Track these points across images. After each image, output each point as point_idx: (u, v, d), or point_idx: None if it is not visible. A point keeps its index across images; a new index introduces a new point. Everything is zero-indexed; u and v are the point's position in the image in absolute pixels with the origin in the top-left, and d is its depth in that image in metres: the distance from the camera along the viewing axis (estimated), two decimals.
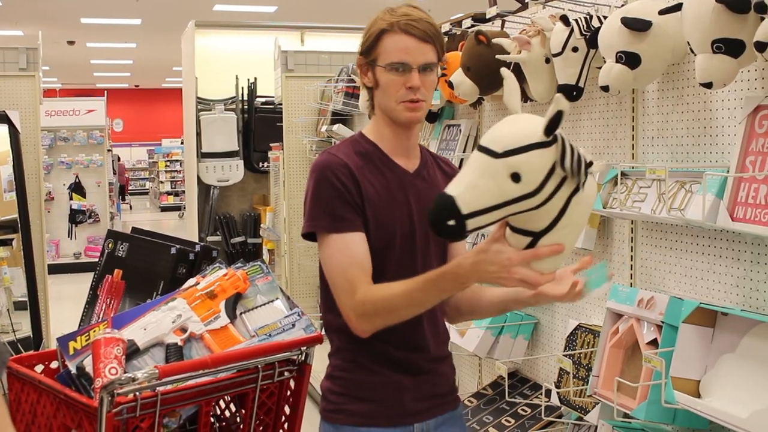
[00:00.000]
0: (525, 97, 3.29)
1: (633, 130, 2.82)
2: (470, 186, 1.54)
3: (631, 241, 2.83)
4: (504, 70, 1.73)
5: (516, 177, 1.51)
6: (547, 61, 2.89)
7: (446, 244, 2.08)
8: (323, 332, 2.17)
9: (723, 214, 2.26)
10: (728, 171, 2.30)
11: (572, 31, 2.71)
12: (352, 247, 1.87)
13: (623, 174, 2.74)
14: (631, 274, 2.83)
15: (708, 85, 2.15)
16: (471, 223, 1.54)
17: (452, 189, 1.56)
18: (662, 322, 2.43)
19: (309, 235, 1.97)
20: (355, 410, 1.99)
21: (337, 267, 1.88)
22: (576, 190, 1.56)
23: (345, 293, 1.86)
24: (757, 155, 2.23)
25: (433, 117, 4.20)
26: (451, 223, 1.53)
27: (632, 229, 2.83)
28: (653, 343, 2.48)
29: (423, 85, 1.93)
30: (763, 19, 1.94)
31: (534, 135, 1.53)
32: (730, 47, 2.08)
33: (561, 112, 1.53)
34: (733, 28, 2.06)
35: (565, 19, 2.71)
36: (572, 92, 2.76)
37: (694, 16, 2.15)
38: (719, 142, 2.45)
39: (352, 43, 7.83)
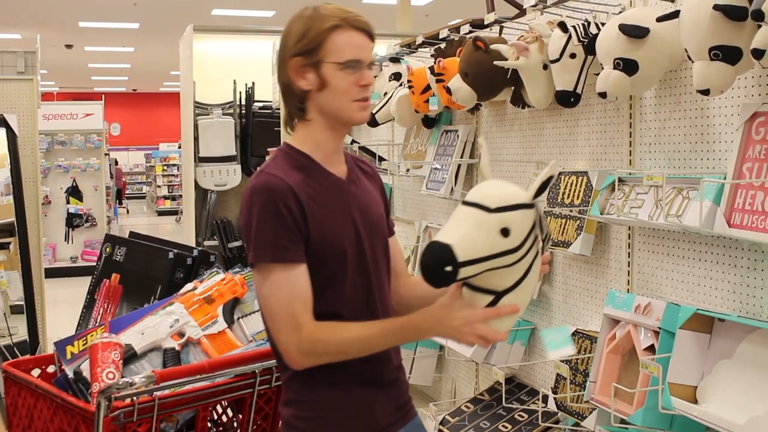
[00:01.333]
0: (523, 103, 3.30)
1: (630, 137, 2.82)
2: (465, 236, 1.60)
3: (629, 247, 2.84)
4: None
5: (505, 232, 1.60)
6: (545, 67, 2.90)
7: (388, 254, 1.99)
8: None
9: (720, 221, 2.26)
10: (725, 177, 2.31)
11: (570, 37, 2.71)
12: (295, 280, 1.76)
13: (620, 180, 2.74)
14: (628, 280, 2.84)
15: (705, 92, 2.16)
16: (463, 272, 1.59)
17: (447, 238, 1.60)
18: (659, 328, 2.43)
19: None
20: (332, 429, 1.84)
21: (280, 301, 1.75)
22: (537, 254, 1.68)
23: (288, 330, 1.74)
24: (754, 162, 2.24)
25: (430, 122, 4.20)
26: (449, 269, 1.58)
27: (629, 235, 2.84)
28: (650, 349, 2.48)
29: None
30: (760, 26, 1.95)
31: (520, 197, 1.64)
32: (728, 54, 2.09)
33: (552, 177, 1.63)
34: (731, 35, 2.07)
35: (563, 26, 2.72)
36: (570, 98, 2.77)
37: (691, 24, 2.16)
38: (716, 148, 2.46)
39: None
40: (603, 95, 2.52)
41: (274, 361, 2.27)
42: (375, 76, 4.59)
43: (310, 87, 1.83)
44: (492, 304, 1.66)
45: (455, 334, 1.67)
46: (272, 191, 1.75)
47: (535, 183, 1.64)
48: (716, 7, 2.05)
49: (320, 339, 1.73)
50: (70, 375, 2.25)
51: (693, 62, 2.18)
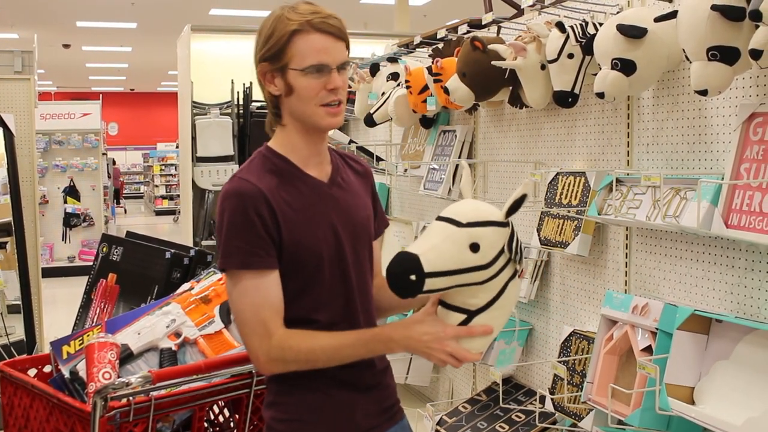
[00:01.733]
0: (521, 103, 3.30)
1: (628, 137, 2.82)
2: (433, 248, 1.61)
3: (626, 248, 2.84)
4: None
5: (475, 247, 1.61)
6: (543, 67, 2.90)
7: (372, 255, 1.95)
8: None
9: (717, 221, 2.26)
10: (723, 178, 2.31)
11: (568, 37, 2.71)
12: (265, 287, 1.73)
13: (618, 181, 2.74)
14: (626, 281, 2.84)
15: (703, 93, 2.16)
16: (429, 283, 1.59)
17: (415, 248, 1.61)
18: (657, 329, 2.43)
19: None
20: None
21: (250, 307, 1.73)
22: (513, 276, 1.67)
23: (258, 336, 1.72)
24: (751, 162, 2.23)
25: (428, 123, 4.20)
26: (413, 278, 1.58)
27: (627, 235, 2.84)
28: (648, 349, 2.48)
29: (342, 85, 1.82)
30: (758, 26, 1.95)
31: (493, 215, 1.65)
32: (725, 55, 2.09)
33: (525, 196, 1.63)
34: (728, 35, 2.07)
35: (560, 26, 2.72)
36: (567, 99, 2.77)
37: (689, 24, 2.15)
38: (714, 149, 2.46)
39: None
40: (601, 95, 2.52)
41: None
42: (351, 78, 4.59)
43: (279, 92, 1.80)
44: (465, 323, 1.66)
45: (424, 349, 1.67)
46: (243, 197, 1.73)
47: (508, 202, 1.64)
48: (714, 8, 2.05)
49: (290, 346, 1.71)
50: (67, 375, 2.24)
51: (691, 62, 2.18)
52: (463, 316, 1.66)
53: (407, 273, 1.58)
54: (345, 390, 1.82)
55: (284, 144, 1.85)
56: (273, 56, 1.77)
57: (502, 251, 1.64)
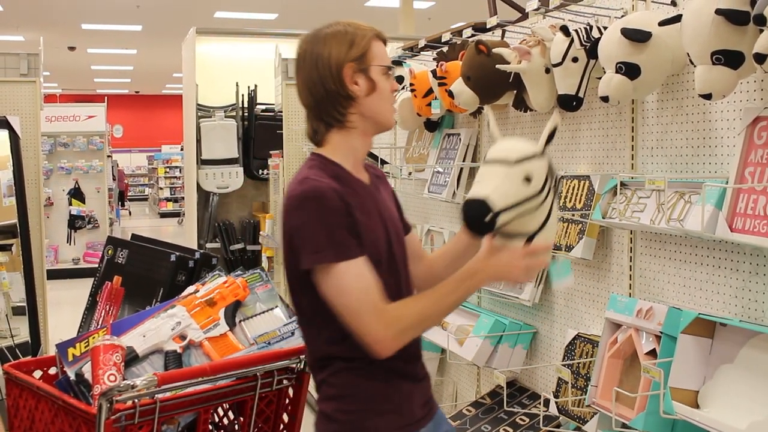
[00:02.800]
0: (525, 107, 3.30)
1: (632, 141, 2.82)
2: (495, 189, 1.80)
3: (630, 252, 2.84)
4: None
5: (528, 179, 1.83)
6: (547, 71, 2.90)
7: (406, 251, 2.08)
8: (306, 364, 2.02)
9: (722, 225, 2.26)
10: (727, 182, 2.31)
11: (572, 41, 2.71)
12: (365, 271, 1.81)
13: (623, 184, 2.74)
14: (630, 284, 2.84)
15: (707, 97, 2.16)
16: (500, 219, 1.79)
17: (480, 193, 1.80)
18: (661, 333, 2.43)
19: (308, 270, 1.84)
20: (372, 425, 1.91)
21: (357, 293, 1.79)
22: (554, 198, 1.93)
23: (374, 317, 1.79)
24: (756, 166, 2.23)
25: (433, 126, 4.21)
26: (488, 219, 1.78)
27: (631, 239, 2.84)
28: (652, 353, 2.48)
29: None
30: (762, 31, 1.95)
31: (533, 149, 1.87)
32: (730, 59, 2.09)
33: (556, 128, 1.89)
34: (733, 39, 2.07)
35: (565, 30, 2.72)
36: (572, 102, 2.77)
37: (693, 28, 2.16)
38: (718, 152, 2.46)
39: None
40: (605, 99, 2.52)
41: (276, 364, 2.29)
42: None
43: (359, 92, 1.93)
44: (526, 244, 1.89)
45: (505, 272, 1.87)
46: (324, 194, 1.81)
47: (543, 135, 1.88)
48: (718, 12, 2.05)
49: (403, 315, 1.81)
50: (72, 377, 2.25)
51: (695, 66, 2.18)
52: (523, 240, 1.88)
53: (482, 216, 1.78)
54: (405, 381, 1.95)
55: (339, 149, 1.96)
56: (359, 57, 1.92)
57: (546, 178, 1.87)
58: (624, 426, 2.50)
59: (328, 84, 1.91)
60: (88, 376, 2.19)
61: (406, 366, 1.96)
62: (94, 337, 2.30)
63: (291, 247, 1.85)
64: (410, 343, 1.91)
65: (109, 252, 2.87)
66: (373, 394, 1.91)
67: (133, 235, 3.00)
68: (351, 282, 1.79)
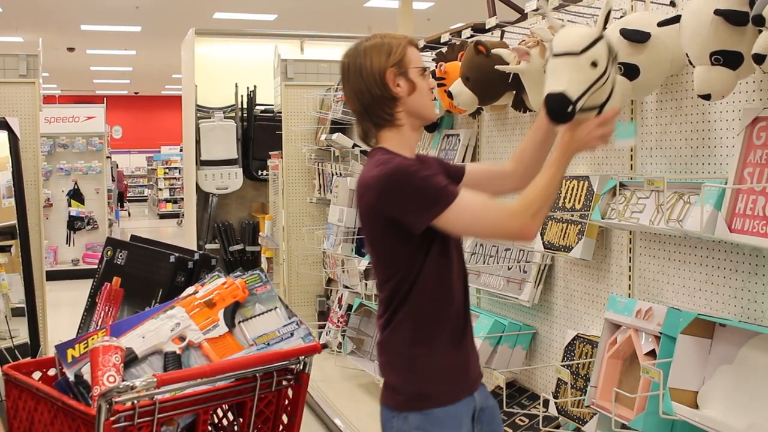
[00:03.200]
0: (524, 107, 3.30)
1: None
2: (569, 81, 2.05)
3: (630, 252, 2.84)
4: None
5: (594, 64, 2.06)
6: None
7: None
8: (387, 320, 2.16)
9: (721, 226, 2.26)
10: (726, 182, 2.31)
11: None
12: (473, 194, 2.07)
13: (622, 185, 2.74)
14: (629, 285, 2.84)
15: (706, 97, 2.16)
16: (578, 106, 2.05)
17: (557, 87, 2.05)
18: (660, 333, 2.43)
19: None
20: (442, 390, 2.11)
21: (482, 210, 2.06)
22: (615, 70, 2.16)
23: (504, 216, 2.05)
24: (755, 167, 2.24)
25: (432, 127, 4.21)
26: (570, 109, 2.05)
27: (630, 239, 2.84)
28: (651, 353, 2.48)
29: None
30: (761, 31, 1.95)
31: (593, 33, 2.09)
32: (729, 59, 2.09)
33: (611, 9, 2.10)
34: (732, 40, 2.07)
35: None
36: None
37: (692, 29, 2.16)
38: (717, 153, 2.46)
39: None
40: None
41: (275, 365, 2.29)
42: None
43: (402, 93, 2.17)
44: (598, 114, 2.13)
45: (585, 141, 2.12)
46: (406, 163, 2.08)
47: (600, 19, 2.09)
48: (717, 12, 2.05)
49: (530, 201, 2.06)
50: (71, 378, 2.24)
51: (694, 67, 2.18)
52: (595, 112, 2.12)
53: (564, 108, 2.04)
54: (465, 346, 2.19)
55: (394, 143, 2.19)
56: (398, 62, 2.18)
57: (608, 56, 2.08)
58: (623, 426, 2.50)
59: (374, 90, 2.17)
60: (87, 377, 2.19)
61: (465, 336, 2.19)
62: (93, 339, 2.29)
63: (391, 223, 2.06)
64: (467, 310, 2.22)
65: (109, 253, 2.87)
66: (441, 365, 2.12)
67: (132, 236, 2.99)
68: (473, 209, 2.05)
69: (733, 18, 2.04)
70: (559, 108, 2.06)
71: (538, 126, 2.30)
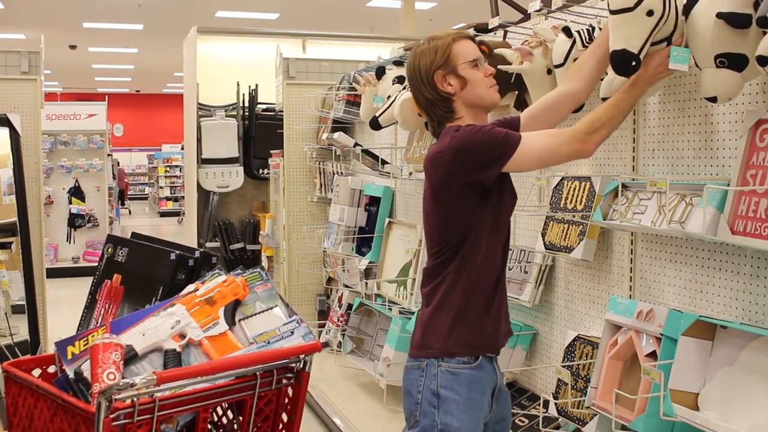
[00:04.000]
0: (526, 107, 3.29)
1: (634, 142, 2.82)
2: (629, 37, 2.21)
3: (631, 253, 2.83)
4: None
5: (650, 13, 2.19)
6: (549, 72, 2.89)
7: None
8: (438, 284, 2.35)
9: (723, 228, 2.26)
10: (729, 184, 2.30)
11: (574, 42, 2.71)
12: (533, 133, 2.30)
13: (624, 186, 2.74)
14: (631, 286, 2.83)
15: (713, 100, 2.16)
16: (642, 55, 2.22)
17: (619, 44, 2.22)
18: (661, 335, 2.42)
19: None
20: (476, 342, 2.31)
21: (546, 138, 2.28)
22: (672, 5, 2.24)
23: (567, 138, 2.25)
24: (757, 169, 2.23)
25: None
26: (634, 64, 2.22)
27: (632, 240, 2.83)
28: (652, 355, 2.48)
29: None
30: (765, 33, 1.95)
31: None
32: (734, 61, 2.09)
33: None
34: (735, 42, 2.07)
35: (567, 31, 2.72)
36: None
37: (696, 31, 2.15)
38: (720, 155, 2.45)
39: (354, 51, 7.81)
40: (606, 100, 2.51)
41: (275, 363, 2.28)
42: (356, 80, 4.93)
43: (454, 90, 2.34)
44: (667, 44, 2.28)
45: (657, 72, 2.31)
46: (473, 126, 2.27)
47: None
48: (719, 15, 2.05)
49: (592, 120, 2.26)
50: (71, 375, 2.24)
51: (699, 69, 2.18)
52: (665, 44, 2.27)
53: (628, 62, 2.22)
54: (500, 317, 2.38)
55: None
56: (444, 63, 2.34)
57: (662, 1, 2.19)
58: (623, 428, 2.49)
59: (426, 92, 2.38)
60: (87, 374, 2.18)
61: (501, 305, 2.39)
62: (93, 336, 2.29)
63: (466, 187, 2.26)
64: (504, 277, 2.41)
65: (109, 250, 2.87)
66: (480, 331, 2.33)
67: (133, 233, 2.99)
68: (536, 147, 2.25)
69: (734, 21, 2.04)
70: (623, 64, 2.23)
71: (600, 42, 2.47)
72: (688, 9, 2.23)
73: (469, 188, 2.28)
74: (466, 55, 2.35)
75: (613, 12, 2.23)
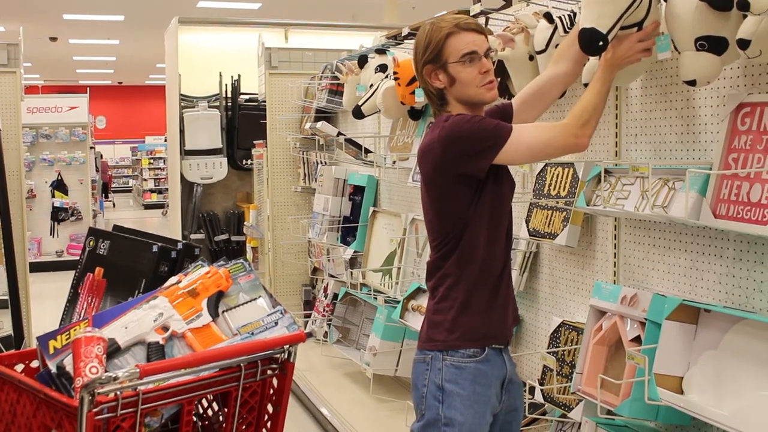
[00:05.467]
0: (509, 94, 3.29)
1: (616, 128, 2.82)
2: (599, 15, 2.18)
3: (615, 239, 2.84)
4: None
5: None
6: (531, 58, 2.89)
7: None
8: (441, 277, 2.34)
9: (706, 212, 2.26)
10: (711, 168, 2.30)
11: (556, 28, 2.71)
12: (524, 125, 2.28)
13: (607, 171, 2.74)
14: (615, 272, 2.84)
15: (692, 83, 2.16)
16: (610, 37, 2.20)
17: (588, 22, 2.19)
18: (645, 319, 2.43)
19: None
20: (481, 334, 2.30)
21: (535, 130, 2.25)
22: None
23: (558, 132, 2.22)
24: (739, 152, 2.23)
25: (417, 114, 4.19)
26: (601, 44, 2.19)
27: (615, 226, 2.84)
28: (636, 340, 2.48)
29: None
30: (745, 16, 1.94)
31: None
32: (714, 45, 2.09)
33: None
34: (716, 25, 2.07)
35: (548, 17, 2.71)
36: None
37: (677, 14, 2.15)
38: (702, 139, 2.45)
39: (336, 40, 7.77)
40: (588, 86, 2.51)
41: (260, 354, 2.27)
42: (338, 69, 4.89)
43: (443, 85, 2.30)
44: (638, 29, 2.25)
45: (627, 56, 2.28)
46: (464, 115, 2.25)
47: None
48: None
49: (578, 114, 2.22)
50: (53, 370, 2.22)
51: (680, 53, 2.17)
52: (635, 29, 2.24)
53: (595, 41, 2.19)
54: (506, 307, 2.38)
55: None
56: (434, 58, 2.28)
57: None
58: (609, 412, 2.50)
59: (420, 81, 2.37)
60: (69, 368, 2.17)
61: (508, 295, 2.39)
62: (75, 329, 2.27)
63: (458, 179, 2.23)
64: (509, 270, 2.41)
65: (91, 243, 2.84)
66: (490, 320, 2.32)
67: (114, 226, 2.97)
68: (527, 139, 2.22)
69: (716, 3, 2.03)
70: (590, 43, 2.21)
71: (572, 51, 2.46)
72: None
73: (462, 180, 2.24)
74: (458, 52, 2.26)
75: None
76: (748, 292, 2.29)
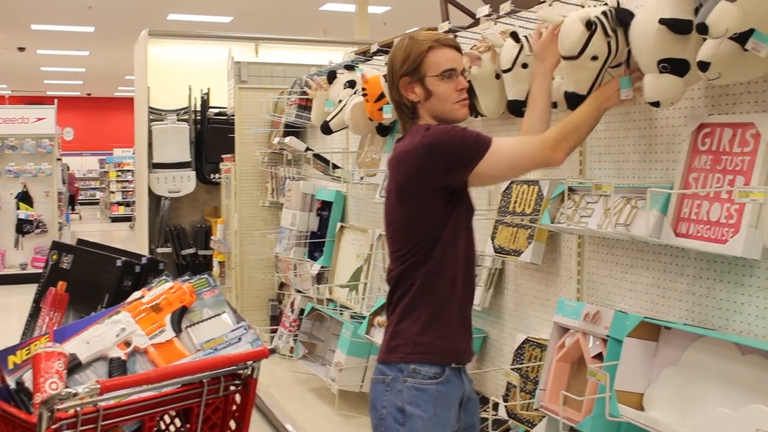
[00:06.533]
0: (476, 112, 3.31)
1: (581, 146, 2.85)
2: (576, 80, 2.31)
3: (578, 256, 2.86)
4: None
5: (594, 58, 2.27)
6: (497, 76, 2.91)
7: None
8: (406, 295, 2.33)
9: (667, 230, 2.29)
10: (672, 187, 2.34)
11: (522, 47, 2.73)
12: (503, 138, 2.28)
13: (571, 189, 2.77)
14: (578, 289, 2.86)
15: (656, 104, 2.19)
16: (592, 92, 2.33)
17: (570, 87, 2.33)
18: (607, 336, 2.45)
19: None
20: (446, 349, 2.27)
21: (513, 144, 2.28)
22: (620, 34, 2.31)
23: (535, 145, 2.24)
24: (699, 172, 2.27)
25: (385, 131, 4.21)
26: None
27: (579, 243, 2.86)
28: (599, 356, 2.50)
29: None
30: (705, 39, 1.98)
31: (583, 33, 2.25)
32: (676, 67, 2.12)
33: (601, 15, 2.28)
34: (677, 48, 2.10)
35: (515, 36, 2.74)
36: (522, 108, 2.78)
37: (640, 37, 2.19)
38: (664, 159, 2.49)
39: (306, 55, 7.78)
40: (554, 105, 2.54)
41: (223, 370, 2.26)
42: (307, 85, 4.75)
43: (418, 99, 2.30)
44: (627, 66, 2.35)
45: (610, 94, 2.33)
46: (444, 125, 2.25)
47: (584, 19, 2.26)
48: (662, 21, 2.08)
49: (558, 130, 2.24)
50: (12, 386, 2.19)
51: (644, 75, 2.21)
52: (622, 66, 2.34)
53: (579, 102, 2.32)
54: (470, 323, 2.38)
55: None
56: (412, 71, 2.29)
57: (606, 39, 2.26)
58: (572, 429, 2.51)
59: (393, 94, 2.37)
60: (29, 384, 2.14)
61: (468, 321, 2.37)
62: (35, 345, 2.25)
63: (433, 188, 2.22)
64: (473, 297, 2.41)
65: (54, 257, 2.82)
66: (455, 344, 2.31)
67: (78, 239, 2.95)
68: (507, 151, 2.23)
69: (676, 27, 2.07)
70: (575, 104, 2.33)
71: (545, 72, 2.47)
72: (623, 23, 2.28)
73: (438, 191, 2.23)
74: (438, 67, 2.27)
75: (562, 56, 2.33)
76: (708, 309, 2.32)
